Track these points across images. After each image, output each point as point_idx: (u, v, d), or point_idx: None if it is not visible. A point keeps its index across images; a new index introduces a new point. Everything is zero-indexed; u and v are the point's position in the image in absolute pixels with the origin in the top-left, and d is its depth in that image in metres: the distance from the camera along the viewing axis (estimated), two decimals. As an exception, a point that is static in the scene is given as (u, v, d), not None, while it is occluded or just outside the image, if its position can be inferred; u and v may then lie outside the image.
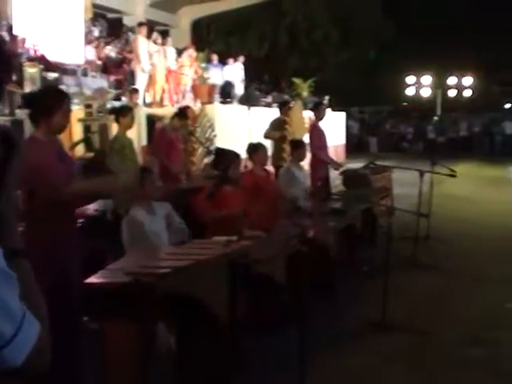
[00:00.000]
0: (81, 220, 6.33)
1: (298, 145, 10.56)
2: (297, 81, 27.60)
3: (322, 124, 12.58)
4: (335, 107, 28.42)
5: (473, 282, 9.18)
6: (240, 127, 18.94)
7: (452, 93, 43.44)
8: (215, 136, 16.52)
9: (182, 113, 12.60)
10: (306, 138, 12.29)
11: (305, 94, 26.91)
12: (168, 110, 15.64)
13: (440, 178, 12.03)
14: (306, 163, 11.17)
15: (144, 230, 6.64)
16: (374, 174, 12.36)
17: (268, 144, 11.11)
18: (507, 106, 59.79)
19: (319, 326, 6.78)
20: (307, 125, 16.22)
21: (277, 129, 13.42)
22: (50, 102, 5.07)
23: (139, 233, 6.61)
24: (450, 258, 10.71)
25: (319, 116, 12.60)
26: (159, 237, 6.77)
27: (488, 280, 9.24)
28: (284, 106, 14.41)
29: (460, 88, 42.93)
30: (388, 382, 5.85)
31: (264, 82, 30.65)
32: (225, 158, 8.03)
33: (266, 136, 13.20)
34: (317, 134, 12.34)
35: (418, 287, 8.95)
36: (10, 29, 16.36)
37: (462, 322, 7.47)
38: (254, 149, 9.32)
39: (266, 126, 13.65)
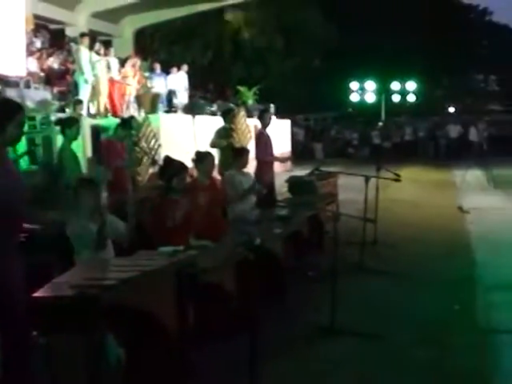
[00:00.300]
0: (25, 234, 6.25)
1: (241, 152, 10.55)
2: (241, 89, 27.68)
3: (268, 131, 12.60)
4: (280, 114, 28.52)
5: (420, 285, 9.25)
6: (185, 136, 18.90)
7: (396, 98, 43.83)
8: (160, 146, 16.44)
9: (126, 123, 12.55)
10: (252, 146, 12.31)
11: (250, 101, 27.01)
12: (112, 121, 15.55)
13: (385, 182, 12.12)
14: (251, 170, 11.15)
15: (85, 240, 6.58)
16: (319, 181, 12.42)
17: (214, 152, 11.08)
18: (451, 109, 60.64)
19: (269, 332, 6.77)
20: (253, 132, 16.25)
21: (222, 137, 13.38)
22: (1, 115, 5.01)
23: (86, 243, 6.55)
24: (397, 262, 10.78)
25: (265, 123, 12.62)
26: (105, 247, 6.71)
27: (435, 283, 9.32)
28: (227, 114, 14.37)
29: (404, 93, 43.34)
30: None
31: (209, 91, 30.66)
32: (171, 167, 8.00)
33: (212, 145, 13.16)
34: (263, 141, 12.36)
35: (366, 291, 8.99)
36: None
37: (410, 325, 7.52)
38: (201, 157, 9.30)
39: (211, 134, 13.61)
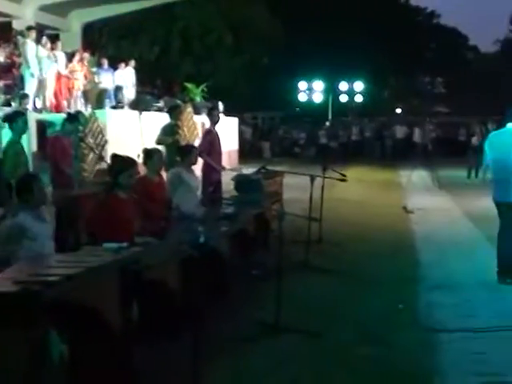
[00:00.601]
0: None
1: (188, 150, 10.53)
2: (189, 86, 27.58)
3: (216, 129, 12.60)
4: (228, 112, 28.51)
5: (364, 283, 9.32)
6: (132, 132, 18.80)
7: (343, 98, 44.10)
8: (106, 142, 16.34)
9: (73, 118, 12.45)
10: (198, 143, 12.30)
11: (197, 98, 26.93)
12: (59, 116, 15.41)
13: (331, 182, 12.22)
14: (198, 168, 11.14)
15: (27, 236, 6.52)
16: (266, 179, 12.45)
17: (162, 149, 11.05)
18: (398, 110, 61.23)
19: (213, 330, 6.78)
20: (200, 130, 16.25)
21: (168, 134, 13.32)
22: None
23: (20, 239, 6.49)
24: (342, 260, 10.86)
25: (213, 121, 12.62)
26: (45, 243, 6.66)
27: (380, 282, 9.40)
28: (174, 111, 14.30)
29: (351, 93, 43.62)
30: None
31: (156, 87, 30.51)
32: (118, 163, 7.95)
33: (158, 142, 13.09)
34: (209, 138, 12.36)
35: (311, 290, 9.03)
36: None
37: (353, 323, 7.57)
38: (149, 154, 9.27)
39: (157, 131, 13.56)
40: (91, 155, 15.14)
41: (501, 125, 10.02)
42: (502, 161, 9.22)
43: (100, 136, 16.31)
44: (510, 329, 7.20)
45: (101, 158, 14.11)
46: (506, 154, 9.17)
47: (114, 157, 8.25)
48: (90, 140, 15.74)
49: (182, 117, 15.11)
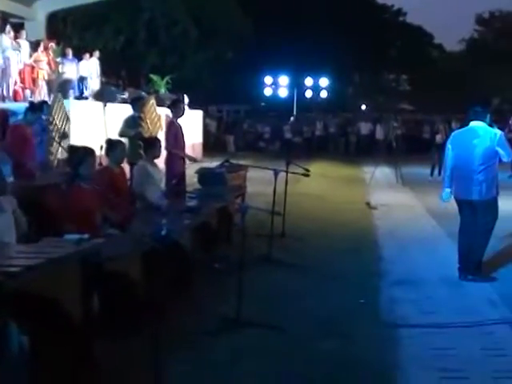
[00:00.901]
0: None
1: (152, 142, 10.48)
2: (154, 77, 27.48)
3: (179, 121, 12.54)
4: (193, 105, 28.44)
5: (327, 278, 9.32)
6: (95, 123, 18.67)
7: (308, 93, 44.17)
8: (68, 120, 16.21)
9: (36, 107, 12.33)
10: (162, 135, 12.24)
11: (162, 90, 26.83)
12: (22, 105, 15.26)
13: (295, 177, 12.22)
14: (161, 161, 11.07)
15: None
16: (229, 173, 12.44)
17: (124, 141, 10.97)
18: (363, 107, 61.53)
19: (175, 323, 6.77)
20: (163, 122, 16.17)
21: (131, 126, 13.22)
22: None
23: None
24: (305, 255, 10.86)
25: (177, 113, 12.56)
26: (5, 234, 6.58)
27: (342, 276, 9.41)
28: (137, 103, 14.20)
29: (316, 89, 43.70)
30: (243, 377, 5.87)
31: (121, 78, 30.35)
32: (77, 154, 7.89)
33: (121, 134, 12.99)
34: (173, 131, 12.30)
35: (273, 284, 9.02)
36: None
37: (315, 317, 7.58)
38: (111, 145, 9.21)
39: (121, 122, 13.47)
40: (54, 145, 15.04)
41: (464, 123, 10.10)
42: (464, 159, 9.31)
43: (64, 122, 16.18)
44: (471, 325, 7.26)
45: (64, 136, 14.08)
46: (468, 152, 9.25)
47: (72, 148, 8.19)
48: (57, 122, 15.62)
49: (144, 109, 15.02)
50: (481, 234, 9.29)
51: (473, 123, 9.37)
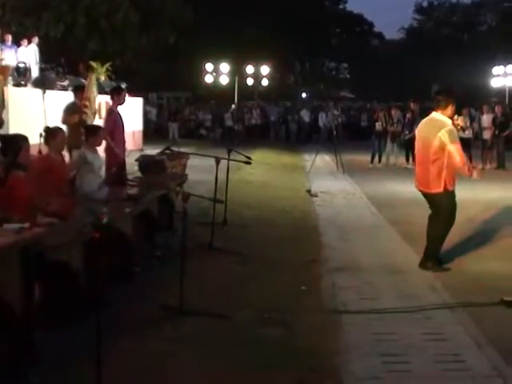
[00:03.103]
0: None
1: (93, 130, 10.37)
2: (94, 64, 27.19)
3: (119, 109, 12.45)
4: (133, 92, 28.23)
5: (268, 265, 9.35)
6: (35, 111, 18.42)
7: (250, 81, 44.12)
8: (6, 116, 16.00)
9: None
10: (102, 123, 12.14)
11: (102, 78, 26.57)
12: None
13: (237, 165, 12.27)
14: (101, 148, 10.96)
15: None
16: (170, 161, 12.39)
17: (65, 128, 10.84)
18: (303, 95, 61.79)
19: (117, 312, 6.74)
20: (104, 109, 16.02)
21: (72, 113, 13.09)
22: None
23: None
24: (247, 242, 10.88)
25: (118, 101, 12.46)
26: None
27: (283, 264, 9.45)
28: (78, 90, 14.10)
29: (257, 77, 43.65)
30: (186, 365, 5.87)
31: (61, 65, 29.94)
32: (12, 143, 7.76)
33: (64, 121, 12.87)
34: (113, 119, 12.21)
35: (215, 272, 9.02)
36: None
37: (258, 304, 7.59)
38: (51, 133, 9.10)
39: (61, 110, 13.32)
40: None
41: (427, 112, 10.14)
42: (423, 149, 9.28)
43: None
44: (411, 310, 7.36)
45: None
46: (428, 143, 9.16)
47: (4, 138, 8.07)
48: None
49: (86, 96, 14.84)
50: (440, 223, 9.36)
51: (434, 113, 9.35)
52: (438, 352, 6.19)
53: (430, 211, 9.55)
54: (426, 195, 9.41)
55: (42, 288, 6.18)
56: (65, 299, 6.60)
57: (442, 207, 9.24)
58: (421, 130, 9.51)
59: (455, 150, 8.89)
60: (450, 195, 9.19)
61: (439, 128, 9.01)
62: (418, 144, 9.48)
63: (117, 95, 12.58)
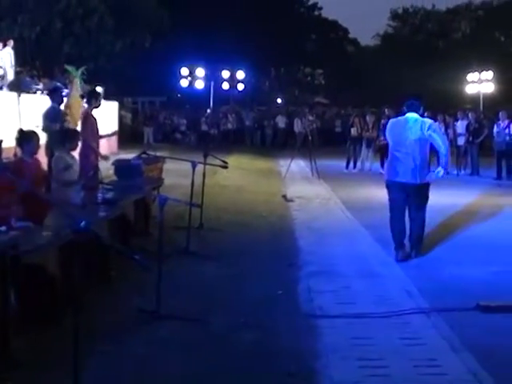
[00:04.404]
0: None
1: (72, 134, 10.34)
2: (69, 68, 27.06)
3: (95, 113, 12.42)
4: (108, 96, 28.15)
5: (246, 269, 9.36)
6: (9, 114, 18.31)
7: (225, 86, 44.09)
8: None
9: None
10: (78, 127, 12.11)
11: (78, 82, 26.43)
12: None
13: (213, 169, 12.27)
14: (76, 152, 10.90)
15: None
16: (146, 165, 12.38)
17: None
18: (279, 100, 61.84)
19: (94, 316, 6.70)
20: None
21: (54, 119, 12.89)
22: None
23: None
24: (223, 247, 10.89)
25: (94, 105, 12.43)
26: None
27: (260, 268, 9.46)
28: (55, 93, 13.83)
29: (233, 81, 43.63)
30: (162, 369, 5.85)
31: (36, 68, 29.80)
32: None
33: (45, 129, 12.68)
34: (89, 122, 12.18)
35: (192, 276, 9.02)
36: None
37: (235, 308, 7.59)
38: (25, 137, 9.02)
39: (37, 113, 13.21)
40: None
41: (399, 114, 11.02)
42: (399, 143, 10.10)
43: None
44: (389, 315, 7.38)
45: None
46: (403, 137, 10.02)
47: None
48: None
49: (69, 102, 14.80)
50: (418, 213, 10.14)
51: (409, 114, 10.13)
52: (415, 357, 6.20)
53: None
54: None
55: (18, 292, 6.14)
56: (41, 303, 6.56)
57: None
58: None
59: None
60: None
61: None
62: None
63: (91, 99, 12.54)
